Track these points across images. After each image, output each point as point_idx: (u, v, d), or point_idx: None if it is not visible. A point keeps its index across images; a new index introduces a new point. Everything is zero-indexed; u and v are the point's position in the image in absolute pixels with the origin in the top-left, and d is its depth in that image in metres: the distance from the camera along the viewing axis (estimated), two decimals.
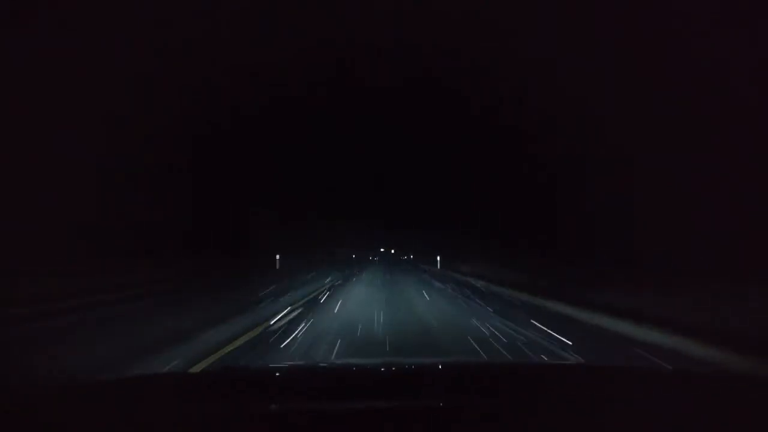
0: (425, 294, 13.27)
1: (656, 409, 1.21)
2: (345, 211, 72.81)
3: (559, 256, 16.52)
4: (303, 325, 7.42)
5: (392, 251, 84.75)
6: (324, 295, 12.43)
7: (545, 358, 5.20)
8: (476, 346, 5.84)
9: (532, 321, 7.92)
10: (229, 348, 5.65)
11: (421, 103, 43.39)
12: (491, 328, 7.27)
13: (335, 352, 5.54)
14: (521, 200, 21.70)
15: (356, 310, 9.54)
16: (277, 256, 27.27)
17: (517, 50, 17.58)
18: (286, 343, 6.06)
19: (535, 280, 14.06)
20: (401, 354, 5.53)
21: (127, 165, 15.77)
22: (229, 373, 2.00)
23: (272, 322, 7.56)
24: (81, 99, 13.58)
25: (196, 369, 4.52)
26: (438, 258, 34.82)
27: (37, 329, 7.23)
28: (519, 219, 22.30)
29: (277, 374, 1.84)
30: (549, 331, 7.00)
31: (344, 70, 31.62)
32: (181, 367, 4.52)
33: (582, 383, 1.62)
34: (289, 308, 9.34)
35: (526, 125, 19.16)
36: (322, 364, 2.36)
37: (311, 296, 12.13)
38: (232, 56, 19.99)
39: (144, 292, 12.38)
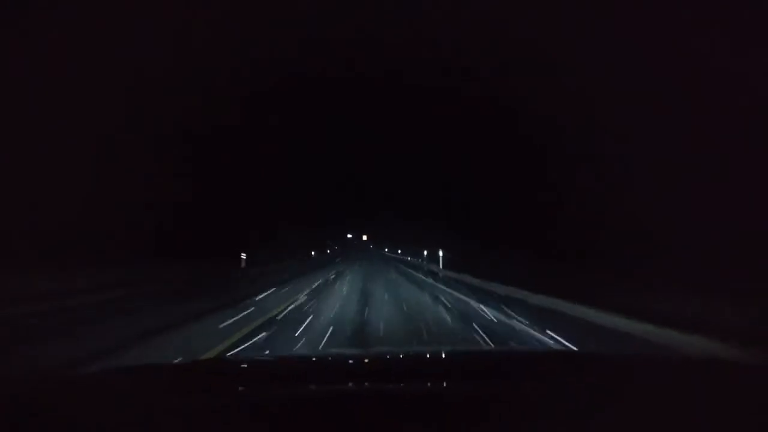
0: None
1: (658, 398, 1.16)
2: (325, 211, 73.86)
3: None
4: (346, 274, 27.36)
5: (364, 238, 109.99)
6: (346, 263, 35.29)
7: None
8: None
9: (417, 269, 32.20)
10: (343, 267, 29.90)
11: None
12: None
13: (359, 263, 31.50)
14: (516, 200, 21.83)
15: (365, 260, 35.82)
16: (312, 253, 46.54)
17: (516, 49, 17.40)
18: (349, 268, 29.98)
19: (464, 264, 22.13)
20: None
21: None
22: (221, 363, 2.07)
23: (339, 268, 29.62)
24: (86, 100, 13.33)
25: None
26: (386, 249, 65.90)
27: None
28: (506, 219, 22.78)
29: (267, 364, 1.91)
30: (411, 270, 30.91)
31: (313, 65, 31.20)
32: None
33: (583, 371, 1.60)
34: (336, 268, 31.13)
35: (524, 121, 19.08)
36: (311, 355, 2.53)
37: (339, 266, 33.18)
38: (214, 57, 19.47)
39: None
